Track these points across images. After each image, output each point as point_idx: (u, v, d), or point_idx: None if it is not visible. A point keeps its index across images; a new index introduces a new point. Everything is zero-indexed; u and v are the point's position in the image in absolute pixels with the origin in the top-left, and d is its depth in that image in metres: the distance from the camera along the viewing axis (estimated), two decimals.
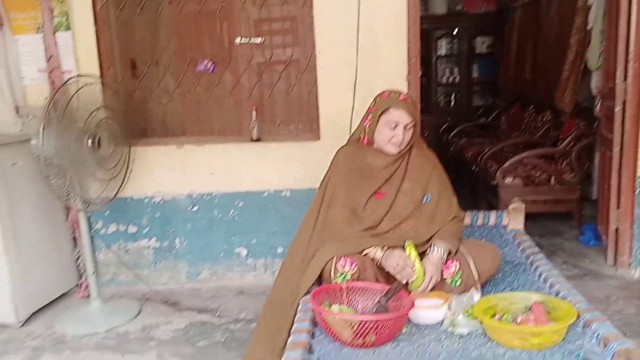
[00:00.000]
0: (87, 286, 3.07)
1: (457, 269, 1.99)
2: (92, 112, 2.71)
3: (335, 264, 1.92)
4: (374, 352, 1.62)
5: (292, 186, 3.19)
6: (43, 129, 2.52)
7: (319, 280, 1.99)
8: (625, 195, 3.19)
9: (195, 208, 3.25)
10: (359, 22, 2.97)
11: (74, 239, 3.22)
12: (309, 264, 2.02)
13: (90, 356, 2.58)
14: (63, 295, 3.19)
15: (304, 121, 3.30)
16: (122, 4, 3.18)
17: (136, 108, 3.29)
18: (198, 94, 3.33)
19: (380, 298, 1.79)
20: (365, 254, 1.97)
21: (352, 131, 2.35)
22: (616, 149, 3.19)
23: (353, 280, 1.90)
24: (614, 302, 2.87)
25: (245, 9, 3.26)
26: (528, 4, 5.61)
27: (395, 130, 2.07)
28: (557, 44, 4.69)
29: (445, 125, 6.17)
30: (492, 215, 2.77)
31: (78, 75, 2.79)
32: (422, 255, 1.96)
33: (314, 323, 1.78)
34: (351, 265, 1.91)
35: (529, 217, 2.78)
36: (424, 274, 1.91)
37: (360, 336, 1.62)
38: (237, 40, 3.28)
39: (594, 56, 4.06)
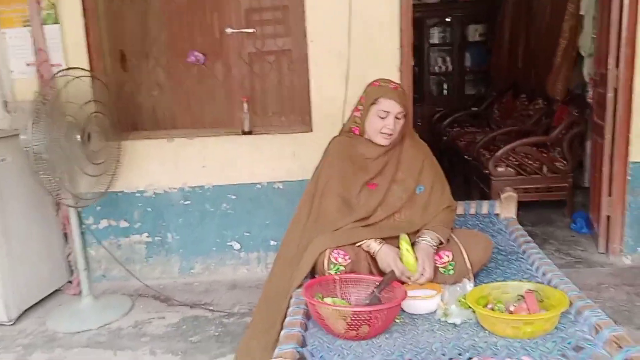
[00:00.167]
0: (78, 282, 3.05)
1: (450, 259, 1.99)
2: (82, 105, 2.68)
3: (329, 255, 1.91)
4: (367, 343, 1.62)
5: (285, 178, 3.18)
6: (32, 124, 2.49)
7: (313, 272, 1.98)
8: (616, 183, 3.20)
9: (187, 202, 3.23)
10: (351, 11, 2.95)
11: (65, 235, 3.19)
12: (302, 255, 2.01)
13: (82, 353, 2.57)
14: (55, 292, 3.17)
15: (296, 112, 3.29)
16: None
17: (126, 101, 3.26)
18: (189, 86, 3.30)
19: (374, 289, 1.79)
20: (359, 246, 1.96)
21: (345, 122, 2.34)
22: (608, 136, 3.19)
23: (346, 272, 1.89)
24: (606, 290, 2.89)
25: None
26: None
27: (386, 120, 2.05)
28: (550, 31, 4.68)
29: (437, 115, 6.17)
30: (485, 205, 2.77)
31: (67, 69, 2.76)
32: (413, 245, 1.96)
33: (307, 316, 1.77)
34: (344, 257, 1.90)
35: (522, 206, 2.78)
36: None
37: (354, 328, 1.61)
38: (228, 30, 3.25)
39: (586, 43, 4.05)
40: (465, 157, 4.62)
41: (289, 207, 3.01)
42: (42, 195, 2.84)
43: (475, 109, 6.21)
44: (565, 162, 3.95)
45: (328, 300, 1.77)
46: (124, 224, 3.26)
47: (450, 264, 1.99)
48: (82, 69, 2.82)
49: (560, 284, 1.87)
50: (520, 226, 2.56)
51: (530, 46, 5.27)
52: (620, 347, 1.45)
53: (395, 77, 2.98)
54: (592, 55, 3.87)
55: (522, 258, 2.23)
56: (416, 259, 1.91)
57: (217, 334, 2.67)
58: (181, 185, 3.22)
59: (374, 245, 1.95)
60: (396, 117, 2.06)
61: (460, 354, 1.52)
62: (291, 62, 3.21)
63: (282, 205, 3.18)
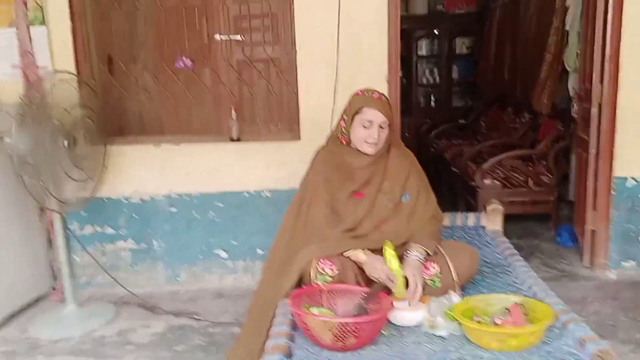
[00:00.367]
0: (62, 289, 2.99)
1: (437, 271, 1.99)
2: (68, 109, 2.65)
3: (316, 265, 1.90)
4: (354, 355, 1.61)
5: (273, 186, 3.17)
6: (17, 127, 2.45)
7: (300, 282, 1.97)
8: (601, 197, 3.23)
9: (173, 209, 3.20)
10: (340, 21, 2.96)
11: (49, 241, 3.14)
12: (289, 265, 2.00)
13: None
14: (38, 298, 3.11)
15: (284, 120, 3.28)
16: None
17: (113, 105, 3.23)
18: (176, 92, 3.28)
19: (360, 300, 1.78)
20: (347, 256, 1.96)
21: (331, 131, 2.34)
22: (592, 151, 3.23)
23: (334, 282, 1.89)
24: (590, 303, 2.91)
25: (225, 4, 3.22)
26: (507, 5, 5.66)
27: (370, 130, 2.06)
28: (535, 45, 4.75)
29: (425, 126, 6.21)
30: (471, 217, 2.78)
31: (53, 72, 2.73)
32: (400, 259, 1.95)
33: (294, 326, 1.76)
34: (332, 267, 1.90)
35: (508, 219, 2.80)
36: (404, 276, 1.90)
37: (340, 339, 1.60)
38: (217, 36, 3.24)
39: (571, 57, 4.11)
40: (452, 169, 4.65)
41: (277, 216, 3.00)
42: (26, 199, 2.79)
43: (463, 121, 6.27)
44: (550, 175, 4.00)
45: (315, 310, 1.76)
46: (109, 230, 3.22)
47: (437, 276, 1.99)
48: (69, 72, 2.80)
49: (546, 297, 1.88)
50: (506, 239, 2.58)
51: (516, 60, 5.34)
52: None
53: (383, 87, 2.98)
54: (577, 70, 3.93)
55: (508, 271, 2.24)
56: (400, 263, 1.90)
57: (202, 343, 2.64)
58: (168, 192, 3.19)
59: (361, 255, 1.95)
60: (380, 127, 2.07)
61: None
62: (280, 70, 3.21)
63: (269, 214, 3.16)
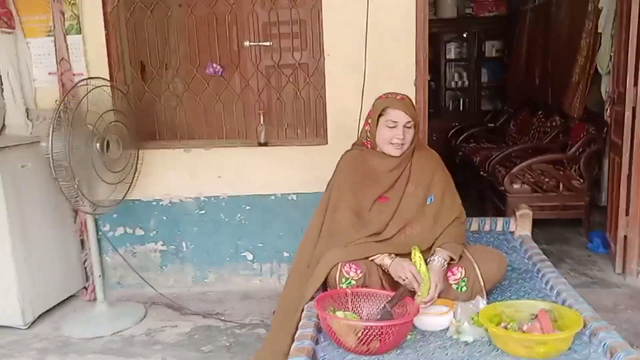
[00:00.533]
0: (93, 289, 3.08)
1: (462, 275, 1.98)
2: (102, 114, 2.74)
3: (341, 269, 1.91)
4: (378, 359, 1.62)
5: (299, 190, 3.19)
6: (52, 132, 2.54)
7: (325, 285, 1.98)
8: (634, 202, 3.16)
9: (202, 211, 3.26)
10: (368, 26, 2.97)
11: (82, 242, 3.23)
12: (314, 269, 2.02)
13: (95, 359, 2.59)
14: (70, 297, 3.20)
15: (311, 125, 3.31)
16: (132, 7, 3.20)
17: (145, 111, 3.31)
18: (206, 98, 3.34)
19: (385, 304, 1.79)
20: (372, 260, 1.97)
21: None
22: (626, 155, 3.16)
23: (358, 286, 1.90)
24: (622, 311, 2.84)
25: (255, 12, 3.27)
26: (538, 8, 5.58)
27: (395, 130, 2.07)
28: (567, 48, 4.66)
29: (453, 130, 6.14)
30: (500, 221, 2.75)
31: (88, 78, 2.81)
32: (426, 263, 1.95)
33: (319, 329, 1.78)
34: (356, 271, 1.91)
35: (537, 224, 2.76)
36: (430, 281, 1.89)
37: (365, 342, 1.61)
38: (246, 43, 3.29)
39: (604, 60, 4.03)
40: (481, 173, 4.59)
41: (303, 219, 3.03)
42: (60, 201, 2.88)
43: (492, 124, 6.18)
44: (581, 180, 3.92)
45: (339, 313, 1.77)
46: (139, 232, 3.30)
47: (462, 280, 1.98)
48: (103, 78, 2.88)
49: (575, 304, 1.85)
50: (535, 244, 2.54)
51: (547, 63, 5.25)
52: None
53: (410, 91, 2.98)
54: (610, 73, 3.85)
55: (536, 276, 2.22)
56: (428, 270, 1.90)
57: (228, 344, 2.67)
58: (197, 195, 3.25)
59: (386, 260, 1.96)
60: (405, 127, 2.07)
61: None
62: (308, 75, 3.24)
63: (295, 217, 3.19)
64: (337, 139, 3.04)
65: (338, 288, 1.90)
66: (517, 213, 2.69)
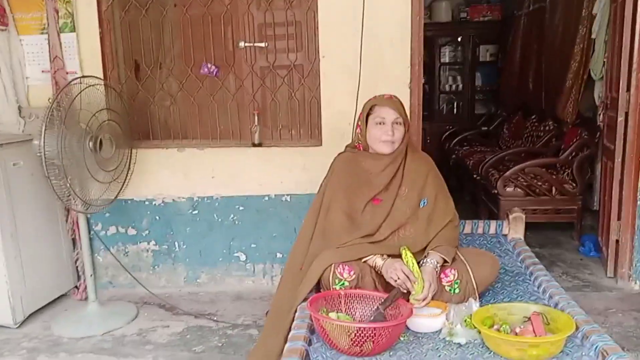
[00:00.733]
0: (85, 288, 3.06)
1: (455, 277, 1.98)
2: (95, 113, 2.72)
3: (334, 270, 1.91)
4: None
5: (293, 191, 3.19)
6: (45, 130, 2.52)
7: (318, 287, 1.98)
8: (626, 207, 3.18)
9: (195, 211, 3.25)
10: (363, 28, 2.97)
11: (73, 240, 3.21)
12: (307, 270, 2.02)
13: (85, 359, 2.57)
14: (61, 296, 3.18)
15: (306, 126, 3.30)
16: (127, 6, 3.19)
17: (139, 110, 3.29)
18: (201, 97, 3.33)
19: (379, 306, 1.78)
20: (365, 262, 1.97)
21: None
22: (618, 160, 3.18)
23: (351, 287, 1.89)
24: (613, 315, 2.86)
25: (250, 13, 3.26)
26: (532, 13, 5.61)
27: (384, 127, 2.09)
28: (561, 53, 4.69)
29: (447, 133, 6.17)
30: (493, 224, 2.76)
31: (82, 77, 2.80)
32: (418, 265, 1.95)
33: (311, 330, 1.77)
34: (350, 272, 1.90)
35: (530, 227, 2.77)
36: (423, 280, 1.90)
37: (358, 344, 1.61)
38: (241, 44, 3.28)
39: (597, 66, 4.06)
40: (474, 176, 4.61)
41: (296, 220, 3.03)
42: (52, 200, 2.87)
43: (485, 128, 6.21)
44: (574, 184, 3.94)
45: (333, 315, 1.77)
46: (132, 232, 3.28)
47: (455, 282, 1.98)
48: (97, 77, 2.86)
49: (567, 307, 1.85)
50: (527, 247, 2.55)
51: (541, 68, 5.28)
52: None
53: (405, 94, 3.00)
54: (603, 79, 3.87)
55: (528, 279, 2.22)
56: (420, 270, 1.90)
57: (220, 344, 2.66)
58: (190, 195, 3.24)
59: (379, 261, 1.96)
60: (394, 124, 2.08)
61: None
62: (302, 77, 3.24)
63: (289, 218, 3.19)
64: (331, 140, 3.04)
65: (331, 289, 1.90)
66: (510, 216, 2.70)
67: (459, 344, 1.70)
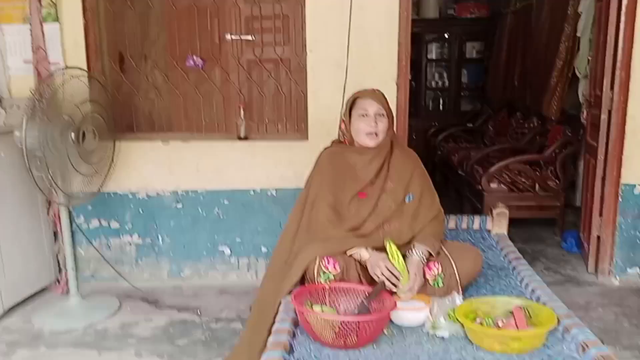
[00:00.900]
0: (66, 281, 3.02)
1: (439, 271, 1.99)
2: (78, 105, 2.68)
3: (319, 263, 1.91)
4: (355, 353, 1.62)
5: (279, 185, 3.18)
6: (26, 121, 2.48)
7: (303, 280, 1.98)
8: (608, 203, 3.22)
9: (179, 205, 3.23)
10: (351, 24, 2.97)
11: (55, 233, 3.17)
12: (292, 263, 2.01)
13: (66, 352, 2.54)
14: (42, 290, 3.14)
15: (292, 120, 3.30)
16: None
17: (123, 102, 3.25)
18: (186, 90, 3.30)
19: (363, 299, 1.79)
20: (350, 255, 1.97)
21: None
22: (601, 157, 3.22)
23: (336, 280, 1.89)
24: (594, 309, 2.90)
25: (237, 5, 3.24)
26: (519, 11, 5.65)
27: (367, 119, 2.10)
28: (546, 51, 4.73)
29: (433, 129, 6.20)
30: (476, 220, 2.78)
31: (65, 68, 2.75)
32: (404, 257, 1.96)
33: (295, 323, 1.77)
34: (335, 265, 1.90)
35: (513, 223, 2.79)
36: (408, 272, 1.90)
37: (342, 337, 1.61)
38: (228, 36, 3.26)
39: (582, 64, 4.10)
40: (459, 172, 4.64)
41: (282, 214, 3.02)
42: (33, 192, 2.82)
43: (471, 125, 6.25)
44: (557, 181, 3.98)
45: (317, 308, 1.77)
46: (114, 225, 3.25)
47: (439, 276, 1.99)
48: (80, 68, 2.82)
49: (549, 301, 1.88)
50: (511, 242, 2.58)
51: (526, 65, 5.33)
52: None
53: (392, 90, 3.00)
54: (588, 77, 3.92)
55: (511, 274, 2.24)
56: (404, 262, 1.91)
57: (204, 338, 2.65)
58: (174, 189, 3.21)
59: (364, 253, 1.96)
60: (377, 115, 2.09)
61: None
62: (289, 71, 3.22)
63: (274, 212, 3.18)
64: (317, 135, 3.04)
65: (316, 282, 1.90)
66: (494, 212, 2.72)
67: (442, 337, 1.71)
